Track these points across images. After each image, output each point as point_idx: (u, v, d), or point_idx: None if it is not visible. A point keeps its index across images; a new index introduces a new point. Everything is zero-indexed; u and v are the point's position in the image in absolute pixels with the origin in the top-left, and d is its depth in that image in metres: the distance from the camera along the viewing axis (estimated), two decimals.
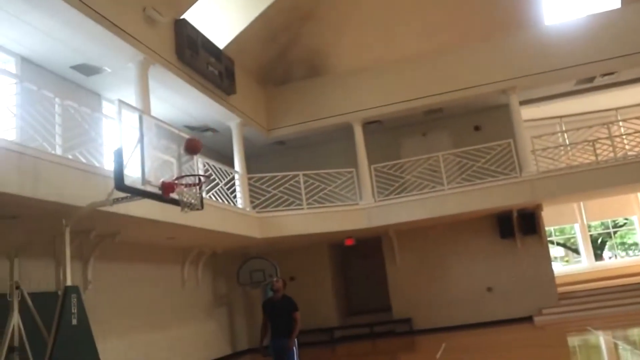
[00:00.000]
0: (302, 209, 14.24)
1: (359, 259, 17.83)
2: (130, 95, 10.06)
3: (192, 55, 11.64)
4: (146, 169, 7.21)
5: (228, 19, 14.06)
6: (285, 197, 14.30)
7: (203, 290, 14.69)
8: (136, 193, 7.30)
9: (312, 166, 15.47)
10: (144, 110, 9.09)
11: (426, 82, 15.25)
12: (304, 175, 14.52)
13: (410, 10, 16.34)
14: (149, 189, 7.33)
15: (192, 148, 7.80)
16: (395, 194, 14.85)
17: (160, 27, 10.93)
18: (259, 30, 14.56)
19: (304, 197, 14.32)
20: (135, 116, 7.61)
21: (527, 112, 16.44)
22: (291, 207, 14.24)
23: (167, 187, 7.52)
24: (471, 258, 15.87)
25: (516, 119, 14.84)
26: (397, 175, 15.05)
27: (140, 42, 10.12)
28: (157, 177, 7.50)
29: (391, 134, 16.78)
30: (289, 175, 14.48)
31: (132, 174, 7.16)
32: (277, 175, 14.41)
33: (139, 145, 7.25)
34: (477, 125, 16.36)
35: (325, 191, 14.70)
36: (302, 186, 14.37)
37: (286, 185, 14.35)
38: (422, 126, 16.73)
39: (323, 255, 16.88)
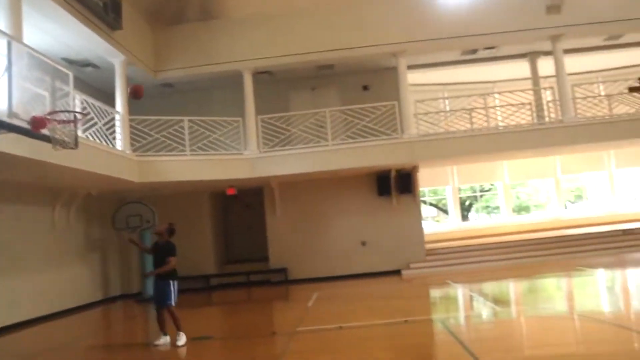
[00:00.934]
0: (185, 154, 13.95)
1: (240, 208, 17.94)
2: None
3: None
4: (14, 101, 6.71)
5: None
6: (169, 142, 13.91)
7: (75, 233, 14.08)
8: (1, 126, 6.78)
9: (200, 112, 15.16)
10: (15, 37, 8.36)
11: (320, 37, 15.26)
12: (189, 120, 14.17)
13: None
14: (16, 122, 6.83)
15: (136, 93, 7.50)
16: (280, 146, 14.97)
17: None
18: None
19: (187, 143, 14.01)
20: (3, 42, 6.99)
21: (414, 77, 17.06)
22: (174, 153, 13.90)
23: (37, 122, 7.07)
24: (349, 213, 16.51)
25: (402, 82, 15.36)
26: (284, 127, 15.14)
27: None
28: (27, 111, 7.01)
29: (281, 86, 16.76)
30: (174, 119, 14.07)
31: None
32: (161, 119, 13.93)
33: (6, 74, 6.70)
34: (366, 84, 16.78)
35: (210, 138, 14.47)
36: (187, 132, 14.04)
37: (170, 129, 13.94)
38: (312, 81, 16.87)
39: (204, 203, 16.76)
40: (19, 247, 11.77)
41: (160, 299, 8.21)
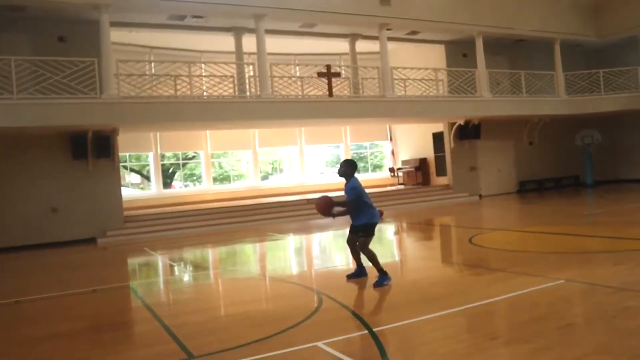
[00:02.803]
0: None
1: None
2: None
3: None
4: None
5: None
6: None
7: None
8: None
9: None
10: None
11: None
12: None
13: None
14: None
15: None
16: None
17: None
18: None
19: None
20: None
21: (118, 35, 16.15)
22: None
23: None
24: (38, 176, 14.96)
25: (104, 39, 14.41)
26: None
27: None
28: None
29: None
30: None
31: None
32: None
33: None
34: (63, 36, 15.23)
35: None
36: None
37: None
38: None
39: None
40: None
41: None
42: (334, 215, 7.15)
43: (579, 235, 10.52)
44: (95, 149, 15.12)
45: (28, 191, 14.86)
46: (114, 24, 15.04)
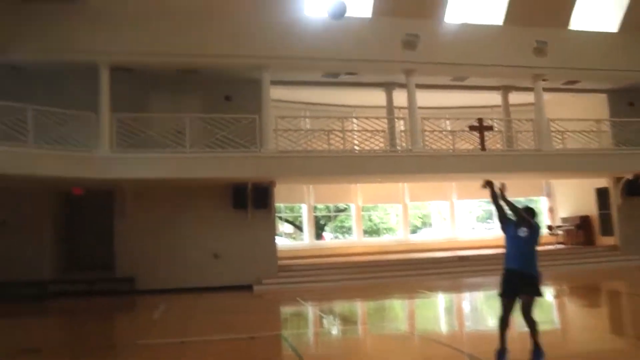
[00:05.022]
0: (26, 146, 12.71)
1: (87, 211, 16.64)
2: None
3: None
4: None
5: None
6: (7, 129, 12.52)
7: None
8: None
9: (49, 101, 13.72)
10: None
11: (185, 40, 14.80)
12: (34, 110, 12.95)
13: None
14: None
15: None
16: (135, 148, 14.25)
17: None
18: None
19: (31, 134, 12.79)
20: None
21: (277, 93, 17.23)
22: (11, 142, 12.52)
23: None
24: (203, 224, 16.05)
25: (265, 97, 15.45)
26: (140, 129, 14.46)
27: None
28: None
29: (141, 85, 15.83)
30: (15, 106, 12.69)
31: None
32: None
33: None
34: (229, 95, 16.53)
35: (58, 131, 13.35)
36: (30, 121, 12.81)
37: (10, 117, 12.60)
38: (174, 84, 16.17)
39: (44, 202, 15.27)
40: None
41: None
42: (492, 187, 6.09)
43: None
44: (254, 199, 16.02)
45: (193, 237, 16.00)
46: (274, 82, 16.04)
